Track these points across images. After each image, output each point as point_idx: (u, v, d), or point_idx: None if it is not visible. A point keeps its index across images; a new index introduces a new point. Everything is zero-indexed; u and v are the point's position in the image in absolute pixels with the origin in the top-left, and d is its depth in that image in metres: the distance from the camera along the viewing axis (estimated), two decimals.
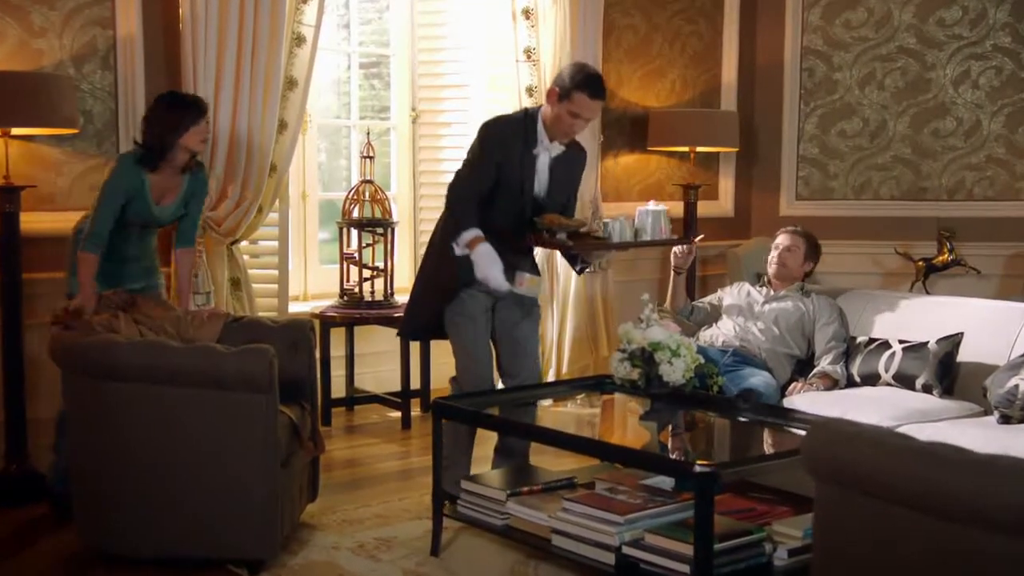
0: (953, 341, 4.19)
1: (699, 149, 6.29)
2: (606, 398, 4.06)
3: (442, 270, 3.96)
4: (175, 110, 3.96)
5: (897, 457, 2.23)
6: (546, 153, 3.91)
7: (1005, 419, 3.79)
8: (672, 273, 4.78)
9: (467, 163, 3.95)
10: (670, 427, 3.78)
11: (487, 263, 3.76)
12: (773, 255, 4.73)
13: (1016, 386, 3.79)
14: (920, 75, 6.71)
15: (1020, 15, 6.57)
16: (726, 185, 6.70)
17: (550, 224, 3.86)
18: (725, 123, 6.35)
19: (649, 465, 3.27)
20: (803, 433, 3.34)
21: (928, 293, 6.29)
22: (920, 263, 6.38)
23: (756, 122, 6.75)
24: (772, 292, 4.69)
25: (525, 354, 4.03)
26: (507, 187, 3.87)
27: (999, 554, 2.03)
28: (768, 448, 3.54)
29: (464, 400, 3.78)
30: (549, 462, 4.13)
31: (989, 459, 2.10)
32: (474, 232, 3.79)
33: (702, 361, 3.60)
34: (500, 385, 4.12)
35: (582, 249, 4.01)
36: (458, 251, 3.82)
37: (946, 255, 6.35)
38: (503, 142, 3.87)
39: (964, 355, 4.18)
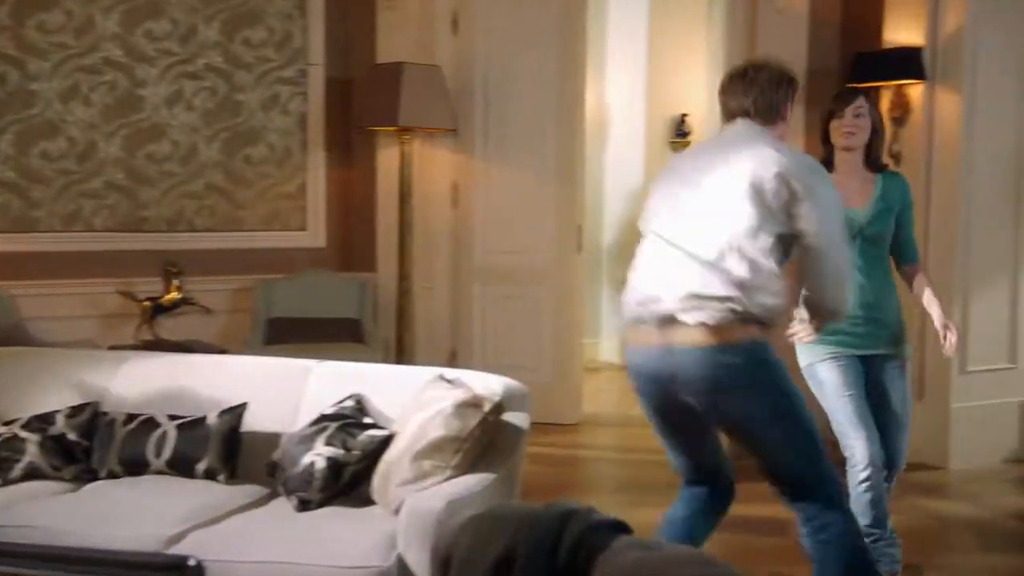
0: (236, 413, 3.52)
1: None
2: None
3: None
4: None
5: None
6: None
7: (304, 504, 3.26)
8: None
9: None
10: None
11: None
12: None
13: (312, 463, 3.29)
14: (131, 92, 5.99)
15: (231, 34, 6.23)
16: None
17: None
18: None
19: None
20: None
21: (157, 336, 5.65)
22: (146, 303, 5.69)
23: None
24: None
25: None
26: None
27: None
28: None
29: None
30: None
31: None
32: None
33: None
34: None
35: None
36: None
37: (174, 293, 5.75)
38: None
39: (246, 426, 3.57)
